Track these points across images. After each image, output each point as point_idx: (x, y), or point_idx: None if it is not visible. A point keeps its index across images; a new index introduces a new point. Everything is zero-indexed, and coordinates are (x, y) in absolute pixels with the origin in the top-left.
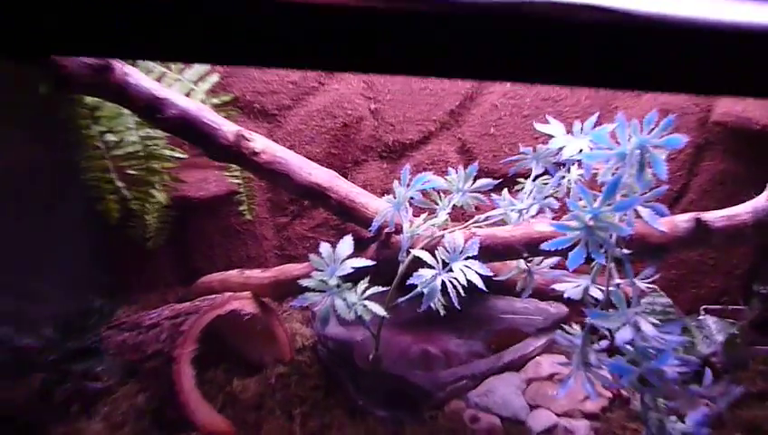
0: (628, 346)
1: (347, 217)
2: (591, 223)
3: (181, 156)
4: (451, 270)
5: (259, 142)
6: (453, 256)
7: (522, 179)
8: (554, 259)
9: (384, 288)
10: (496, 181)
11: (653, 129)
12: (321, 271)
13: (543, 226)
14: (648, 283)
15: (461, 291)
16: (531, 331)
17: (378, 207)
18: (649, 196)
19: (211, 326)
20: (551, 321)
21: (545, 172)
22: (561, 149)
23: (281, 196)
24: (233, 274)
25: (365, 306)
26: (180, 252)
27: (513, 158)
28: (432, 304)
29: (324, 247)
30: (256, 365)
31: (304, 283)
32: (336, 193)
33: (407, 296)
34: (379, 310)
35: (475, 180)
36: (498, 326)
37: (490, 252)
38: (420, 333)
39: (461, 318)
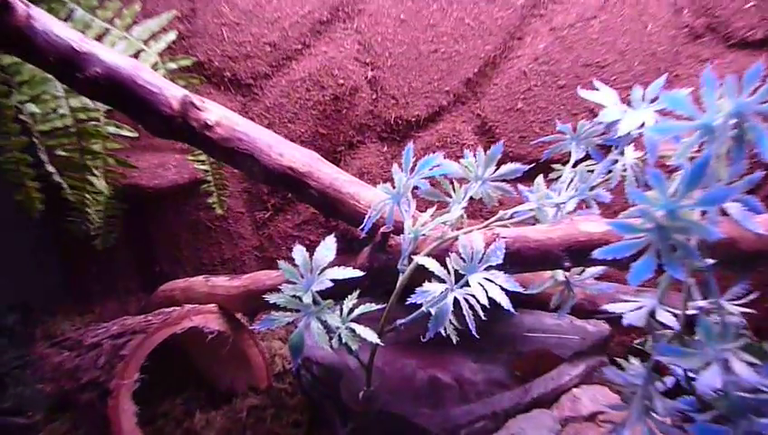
0: (715, 393)
1: (332, 211)
2: (665, 222)
3: (130, 134)
4: (467, 284)
5: (213, 112)
6: (470, 266)
7: (558, 166)
8: (597, 270)
9: (379, 305)
10: (525, 168)
11: (757, 89)
12: (294, 283)
13: (592, 224)
14: (740, 304)
15: (480, 312)
16: (565, 354)
17: (371, 199)
18: (741, 185)
19: (166, 347)
20: (590, 342)
21: (586, 157)
22: (613, 123)
23: (259, 185)
24: (197, 281)
25: (352, 331)
26: (142, 253)
27: (548, 138)
28: (441, 330)
29: (298, 252)
30: (224, 394)
31: (272, 299)
32: (317, 181)
33: (408, 318)
34: (371, 336)
35: (498, 166)
36: (525, 347)
37: (519, 260)
38: (427, 355)
39: (478, 336)
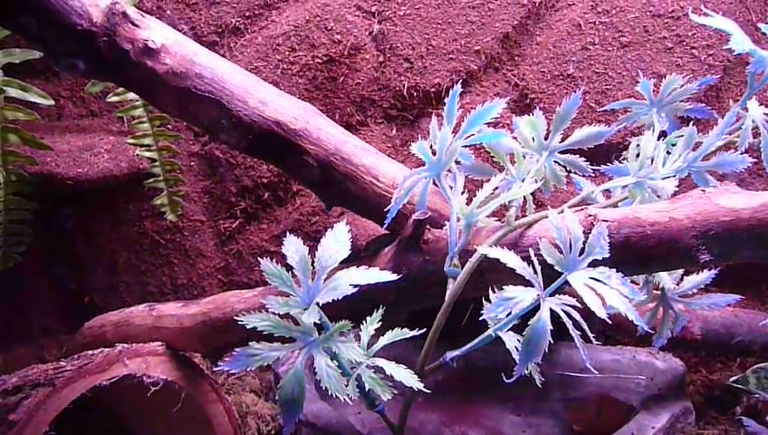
0: None
1: (338, 193)
2: None
3: (43, 101)
4: (559, 291)
5: (158, 32)
6: (568, 260)
7: (634, 140)
8: (706, 275)
9: (414, 332)
10: (611, 129)
11: None
12: (286, 296)
13: (737, 198)
14: None
15: (588, 332)
16: (632, 400)
17: (395, 174)
18: None
19: (84, 406)
20: (661, 384)
21: (663, 135)
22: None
23: (225, 183)
24: (136, 311)
25: (379, 371)
26: (64, 277)
27: (618, 103)
28: (526, 368)
29: (292, 246)
30: None
31: (250, 321)
32: (317, 144)
33: (469, 346)
34: (408, 378)
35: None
36: (578, 393)
37: (629, 253)
38: (452, 407)
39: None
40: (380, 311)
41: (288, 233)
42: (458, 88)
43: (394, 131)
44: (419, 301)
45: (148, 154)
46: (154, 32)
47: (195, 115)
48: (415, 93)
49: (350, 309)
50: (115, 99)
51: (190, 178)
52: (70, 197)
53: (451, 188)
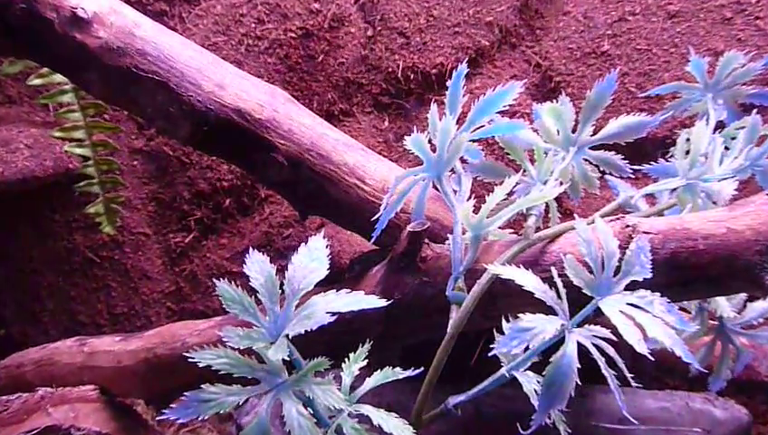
0: None
1: (314, 198)
2: None
3: None
4: (592, 315)
5: None
6: (601, 281)
7: (683, 133)
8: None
9: (409, 371)
10: (655, 119)
11: None
12: (249, 326)
13: None
14: None
15: (624, 369)
16: None
17: (386, 175)
18: None
19: None
20: None
21: (719, 126)
22: None
23: (176, 187)
24: (63, 347)
25: (366, 422)
26: None
27: (663, 88)
28: (548, 417)
29: (256, 264)
30: None
31: (203, 358)
32: (288, 138)
33: (477, 389)
34: (401, 429)
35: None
36: None
37: (676, 272)
38: None
39: (538, 431)
40: (367, 345)
41: (252, 249)
42: (464, 68)
43: (386, 123)
44: (415, 333)
45: (79, 151)
46: None
47: (136, 101)
48: (412, 76)
49: (329, 343)
50: (38, 82)
51: (132, 180)
52: None
53: (455, 192)
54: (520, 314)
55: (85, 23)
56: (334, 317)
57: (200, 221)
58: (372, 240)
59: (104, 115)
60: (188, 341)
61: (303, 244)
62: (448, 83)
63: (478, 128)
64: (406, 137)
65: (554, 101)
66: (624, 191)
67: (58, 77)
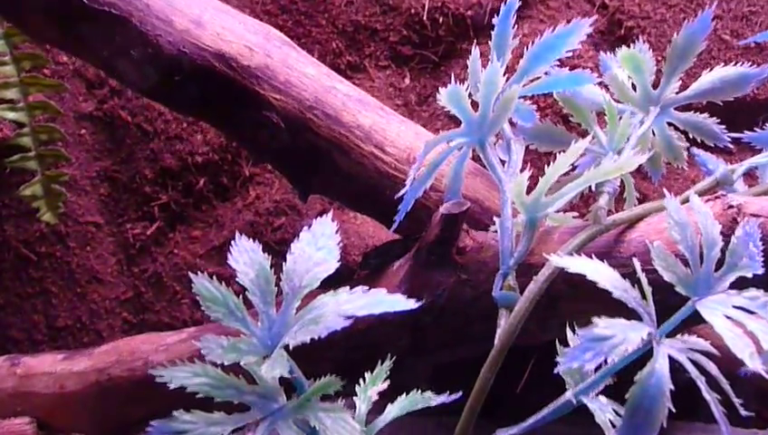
0: None
1: (317, 173)
2: None
3: None
4: (683, 329)
5: None
6: (699, 276)
7: None
8: None
9: (442, 397)
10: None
11: None
12: (235, 335)
13: None
14: None
15: (728, 390)
16: None
17: (411, 142)
18: None
19: None
20: None
21: None
22: None
23: (135, 163)
24: None
25: None
26: None
27: None
28: None
29: (244, 253)
30: None
31: (175, 377)
32: (285, 92)
33: (531, 421)
34: None
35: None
36: None
37: None
38: None
39: None
40: (388, 362)
41: (237, 237)
42: (515, 1)
43: (407, 81)
44: (450, 347)
45: (11, 115)
46: None
47: (88, 44)
48: (440, 19)
49: (337, 360)
50: None
51: (79, 154)
52: None
53: (503, 163)
54: (594, 320)
55: None
56: (349, 322)
57: (166, 207)
58: (393, 227)
59: (44, 69)
60: (152, 358)
61: (306, 229)
62: (489, 28)
63: (533, 80)
64: (440, 90)
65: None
66: (718, 166)
67: None
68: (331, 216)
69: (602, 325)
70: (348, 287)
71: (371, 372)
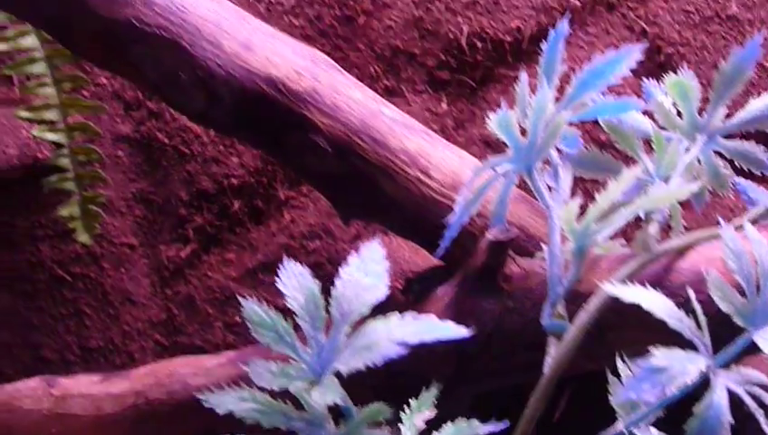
0: None
1: (362, 197)
2: None
3: None
4: (739, 361)
5: None
6: (757, 308)
7: None
8: None
9: (490, 426)
10: None
11: None
12: (284, 360)
13: None
14: None
15: None
16: None
17: (456, 168)
18: None
19: None
20: None
21: None
22: None
23: (171, 185)
24: (24, 389)
25: None
26: None
27: None
28: None
29: (293, 277)
30: None
31: (222, 403)
32: (333, 116)
33: None
34: None
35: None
36: None
37: None
38: None
39: None
40: (435, 389)
41: (285, 259)
42: (565, 26)
43: (443, 105)
44: (495, 375)
45: (51, 136)
46: None
47: (137, 66)
48: (479, 44)
49: (379, 388)
50: (2, 47)
51: (116, 175)
52: None
53: (550, 189)
54: (651, 350)
55: None
56: (406, 350)
57: (201, 230)
58: (439, 253)
59: (83, 90)
60: (191, 382)
61: (354, 254)
62: (530, 53)
63: (580, 106)
64: (489, 115)
65: (663, 77)
66: (763, 197)
67: (27, 41)
68: (378, 241)
69: (660, 356)
70: (398, 313)
71: (416, 399)
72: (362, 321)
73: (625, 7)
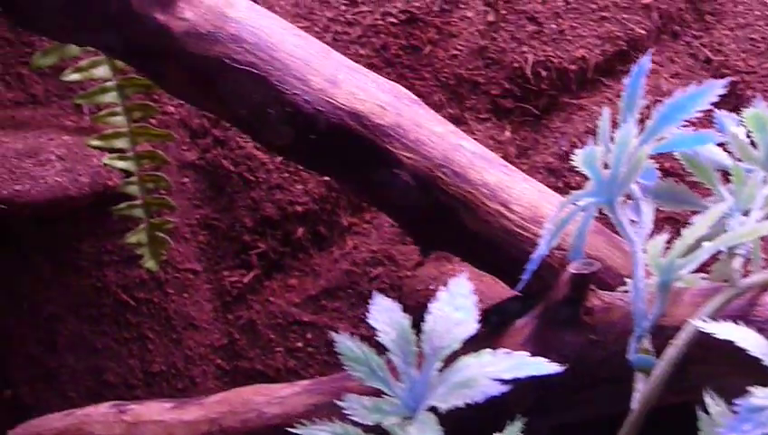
0: None
1: (442, 229)
2: None
3: None
4: None
5: None
6: None
7: None
8: None
9: None
10: None
11: None
12: (376, 396)
13: None
14: None
15: None
16: None
17: (535, 201)
18: None
19: None
20: None
21: None
22: None
23: (235, 212)
24: (95, 415)
25: None
26: None
27: None
28: None
29: (384, 312)
30: None
31: (314, 434)
32: (415, 150)
33: None
34: None
35: None
36: None
37: None
38: None
39: None
40: (519, 423)
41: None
42: (648, 60)
43: (507, 133)
44: (576, 408)
45: (120, 164)
46: None
47: (226, 101)
48: (543, 73)
49: (456, 421)
50: (75, 77)
51: (181, 202)
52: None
53: (633, 222)
54: (750, 390)
55: (169, 0)
56: (508, 387)
57: (264, 256)
58: (520, 286)
59: (151, 118)
60: (266, 411)
61: (443, 288)
62: (592, 82)
63: (660, 139)
64: (576, 151)
65: (731, 106)
66: None
67: (99, 71)
68: (467, 275)
69: (760, 395)
70: (490, 349)
71: (500, 433)
72: (454, 356)
73: (690, 36)
